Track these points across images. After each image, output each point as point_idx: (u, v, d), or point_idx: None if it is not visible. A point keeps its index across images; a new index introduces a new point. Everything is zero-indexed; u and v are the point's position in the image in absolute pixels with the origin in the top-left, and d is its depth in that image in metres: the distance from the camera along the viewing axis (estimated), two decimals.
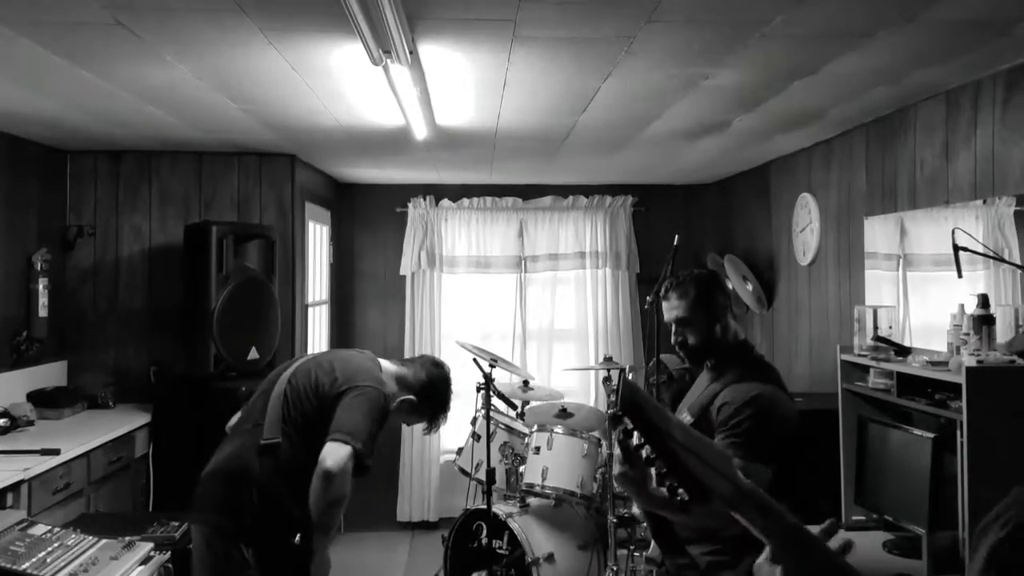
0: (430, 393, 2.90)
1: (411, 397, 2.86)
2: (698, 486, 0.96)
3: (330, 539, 2.69)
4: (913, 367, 2.99)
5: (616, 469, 1.02)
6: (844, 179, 4.30)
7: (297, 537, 2.59)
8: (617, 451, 1.01)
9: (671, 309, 2.46)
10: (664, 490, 0.99)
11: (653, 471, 0.98)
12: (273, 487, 2.59)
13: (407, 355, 6.05)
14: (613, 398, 2.67)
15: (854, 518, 3.31)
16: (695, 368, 2.58)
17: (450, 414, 2.99)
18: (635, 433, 0.99)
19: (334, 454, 2.47)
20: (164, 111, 3.77)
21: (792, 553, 0.97)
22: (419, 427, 3.02)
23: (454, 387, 2.98)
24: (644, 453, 0.97)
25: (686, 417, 2.40)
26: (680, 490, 0.96)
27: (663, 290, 2.50)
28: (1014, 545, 0.85)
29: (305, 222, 5.31)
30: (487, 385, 4.43)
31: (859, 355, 3.36)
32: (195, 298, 4.22)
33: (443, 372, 2.95)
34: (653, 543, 2.47)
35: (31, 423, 3.98)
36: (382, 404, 2.67)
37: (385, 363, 2.88)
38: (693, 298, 2.42)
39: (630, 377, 4.40)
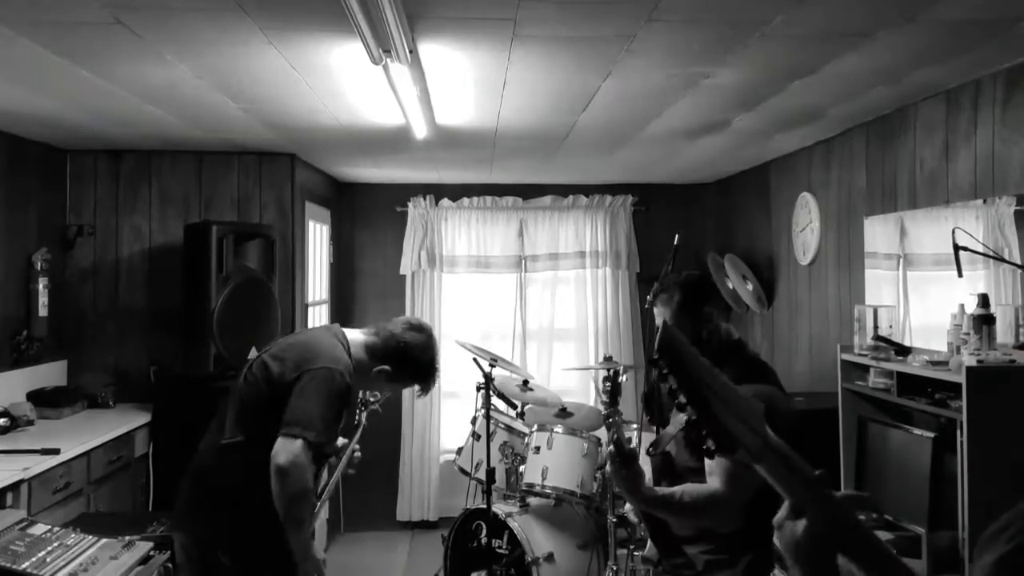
0: (406, 359, 2.69)
1: (385, 367, 2.67)
2: (727, 436, 0.96)
3: (307, 533, 2.57)
4: (913, 367, 2.99)
5: (611, 467, 1.03)
6: (844, 179, 4.30)
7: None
8: (612, 449, 1.02)
9: (659, 315, 2.50)
10: (658, 486, 0.99)
11: (683, 417, 0.99)
12: (240, 487, 2.52)
13: None
14: (606, 398, 2.67)
15: None
16: None
17: (440, 373, 2.81)
18: (666, 384, 0.99)
19: (285, 449, 2.41)
20: (164, 110, 3.77)
21: (816, 505, 0.98)
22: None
23: (440, 354, 2.80)
24: (679, 399, 0.97)
25: (681, 417, 2.40)
26: (709, 439, 0.97)
27: (652, 295, 2.52)
28: (1021, 559, 0.85)
29: (305, 222, 5.31)
30: (487, 385, 4.43)
31: (859, 355, 3.36)
32: (195, 298, 4.21)
33: (420, 335, 2.72)
34: (649, 543, 2.48)
35: (31, 423, 3.97)
36: (336, 383, 2.52)
37: (354, 335, 2.73)
38: (678, 304, 2.44)
39: (623, 379, 4.39)
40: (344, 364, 2.58)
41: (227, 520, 2.54)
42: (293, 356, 2.58)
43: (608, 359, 4.77)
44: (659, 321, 2.51)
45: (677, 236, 3.92)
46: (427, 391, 2.83)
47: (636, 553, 4.20)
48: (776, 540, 1.00)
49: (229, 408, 2.62)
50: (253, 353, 4.29)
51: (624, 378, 4.56)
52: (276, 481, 2.41)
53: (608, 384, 2.63)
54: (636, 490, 2.13)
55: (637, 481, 2.12)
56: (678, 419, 2.42)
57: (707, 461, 2.15)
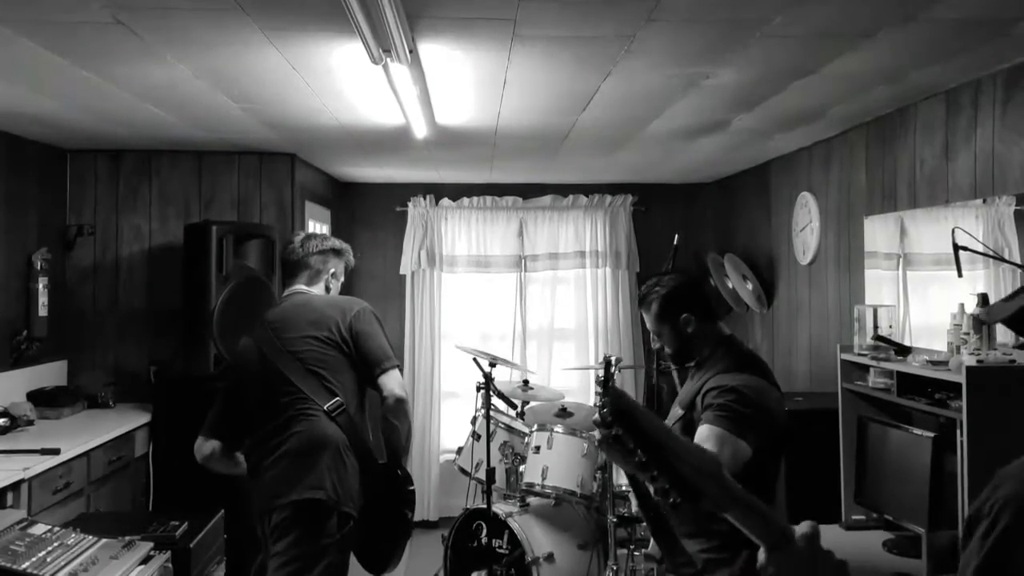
0: (333, 256, 3.06)
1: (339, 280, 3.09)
2: (689, 489, 1.00)
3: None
4: (913, 366, 2.99)
5: (598, 435, 1.06)
6: (844, 178, 4.30)
7: (399, 470, 2.79)
8: (596, 417, 1.05)
9: (645, 319, 2.62)
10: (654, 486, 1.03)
11: (680, 412, 1.03)
12: (357, 442, 2.70)
13: (408, 358, 6.13)
14: (599, 389, 2.68)
15: (854, 518, 3.31)
16: (678, 369, 2.66)
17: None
18: (621, 445, 1.03)
19: (396, 381, 2.70)
20: (164, 111, 3.77)
21: (779, 554, 1.00)
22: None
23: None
24: (636, 458, 1.00)
25: (677, 411, 2.42)
26: (672, 492, 1.00)
27: (639, 299, 2.63)
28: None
29: (305, 221, 5.31)
30: (487, 385, 4.43)
31: (859, 355, 3.36)
32: (195, 298, 4.21)
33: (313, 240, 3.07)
34: (652, 541, 2.48)
35: (31, 423, 3.97)
36: (375, 312, 2.88)
37: (312, 291, 2.99)
38: (655, 313, 2.55)
39: (614, 371, 4.41)
40: (358, 300, 2.94)
41: (355, 475, 2.71)
42: (324, 315, 2.82)
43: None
44: (649, 325, 2.60)
45: (677, 236, 3.95)
46: (347, 265, 3.14)
47: (636, 553, 4.20)
48: None
49: (296, 383, 2.70)
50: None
51: (616, 371, 4.57)
52: (402, 413, 2.68)
53: (601, 373, 2.66)
54: (628, 457, 2.12)
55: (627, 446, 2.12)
56: (675, 413, 2.43)
57: (698, 431, 2.16)
